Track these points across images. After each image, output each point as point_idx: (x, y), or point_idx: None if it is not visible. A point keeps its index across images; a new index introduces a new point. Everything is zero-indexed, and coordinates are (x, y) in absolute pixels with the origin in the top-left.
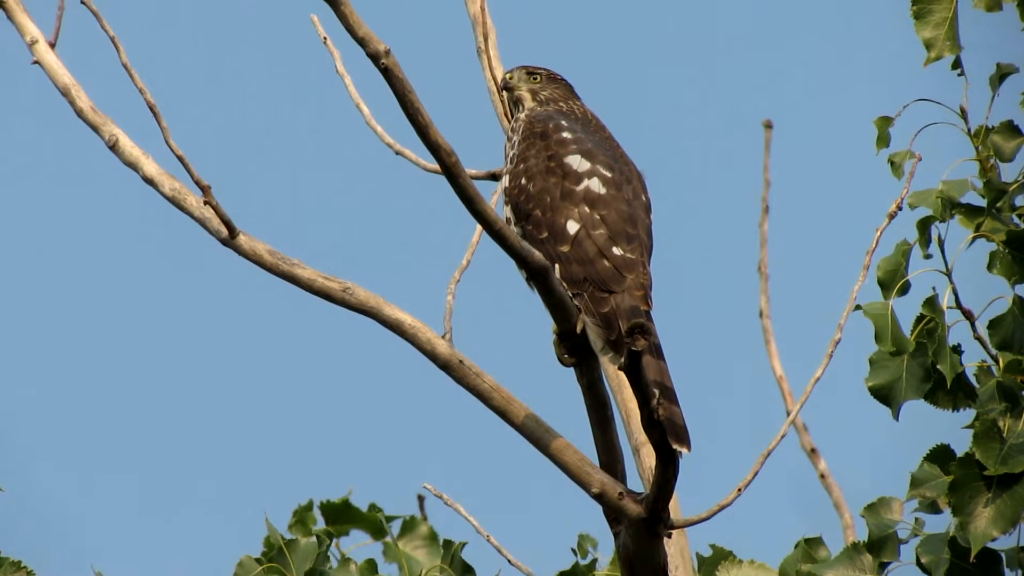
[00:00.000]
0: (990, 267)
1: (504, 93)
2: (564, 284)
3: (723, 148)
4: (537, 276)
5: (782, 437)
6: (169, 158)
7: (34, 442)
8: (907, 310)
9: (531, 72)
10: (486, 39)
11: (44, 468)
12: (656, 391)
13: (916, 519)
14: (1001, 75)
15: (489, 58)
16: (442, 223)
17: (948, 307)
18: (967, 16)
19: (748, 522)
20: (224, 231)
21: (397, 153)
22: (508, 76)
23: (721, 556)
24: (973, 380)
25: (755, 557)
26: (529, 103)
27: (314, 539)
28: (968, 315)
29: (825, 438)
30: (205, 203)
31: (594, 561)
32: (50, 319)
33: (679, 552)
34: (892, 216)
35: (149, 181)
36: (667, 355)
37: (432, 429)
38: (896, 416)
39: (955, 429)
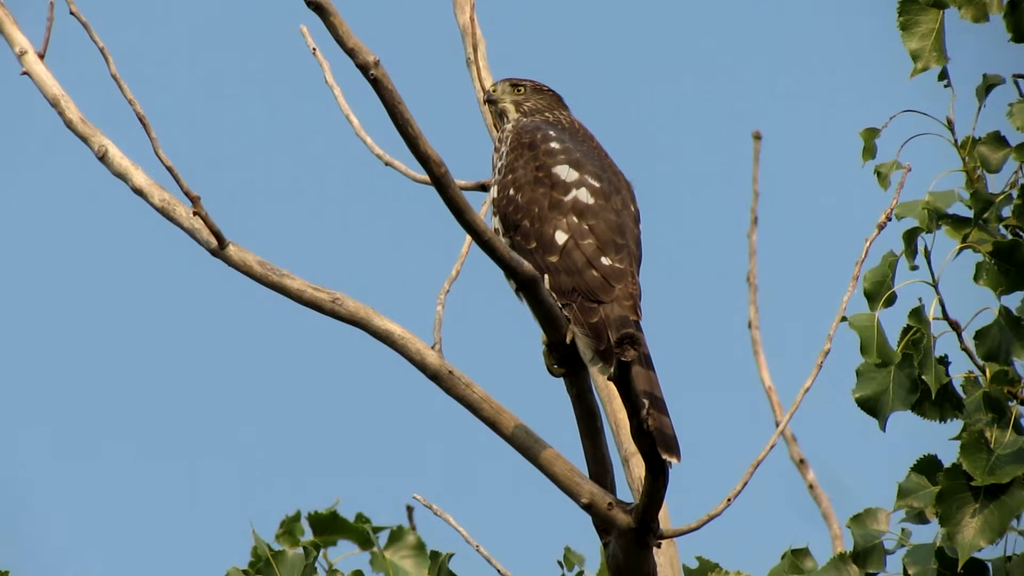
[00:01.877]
0: (976, 278)
1: (489, 106)
2: (553, 295)
3: (712, 159)
4: (526, 286)
5: (771, 447)
6: (159, 169)
7: (22, 452)
8: (894, 321)
9: (515, 84)
10: (475, 49)
11: (30, 477)
12: (646, 401)
13: (903, 529)
14: (987, 86)
15: (478, 68)
16: (431, 233)
17: (934, 318)
18: (954, 27)
19: (738, 532)
20: (214, 241)
21: (387, 164)
22: (492, 89)
23: (707, 568)
24: (960, 391)
25: (744, 567)
26: (513, 115)
27: (301, 550)
28: (955, 326)
29: (814, 449)
30: (195, 214)
31: (581, 573)
32: (39, 330)
33: (669, 562)
34: (881, 227)
35: (138, 192)
36: (656, 365)
37: (422, 439)
38: (883, 427)
39: (942, 440)
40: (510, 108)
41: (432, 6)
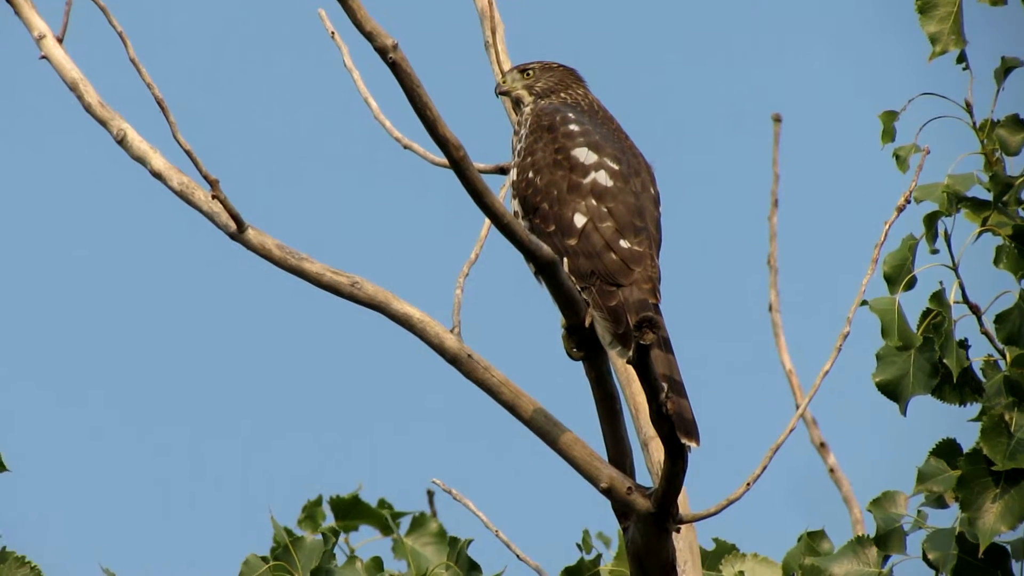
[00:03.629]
0: (996, 261)
1: (503, 97)
2: (572, 278)
3: (732, 142)
4: (546, 270)
5: (791, 431)
6: (177, 153)
7: (40, 438)
8: (914, 304)
9: (523, 69)
10: (494, 33)
11: (50, 464)
12: (665, 385)
13: (919, 512)
14: (1006, 69)
15: (497, 52)
16: (450, 217)
17: (955, 301)
18: (972, 10)
19: (757, 517)
20: (233, 225)
21: (405, 147)
22: (502, 81)
23: (724, 550)
24: (980, 375)
25: (764, 551)
26: (528, 99)
27: (319, 536)
28: (975, 309)
29: (834, 432)
30: (213, 197)
31: (599, 556)
32: (58, 315)
33: (688, 547)
34: (900, 210)
35: (157, 175)
36: (676, 348)
37: (441, 423)
38: (904, 411)
39: (962, 423)
40: (523, 94)
41: None
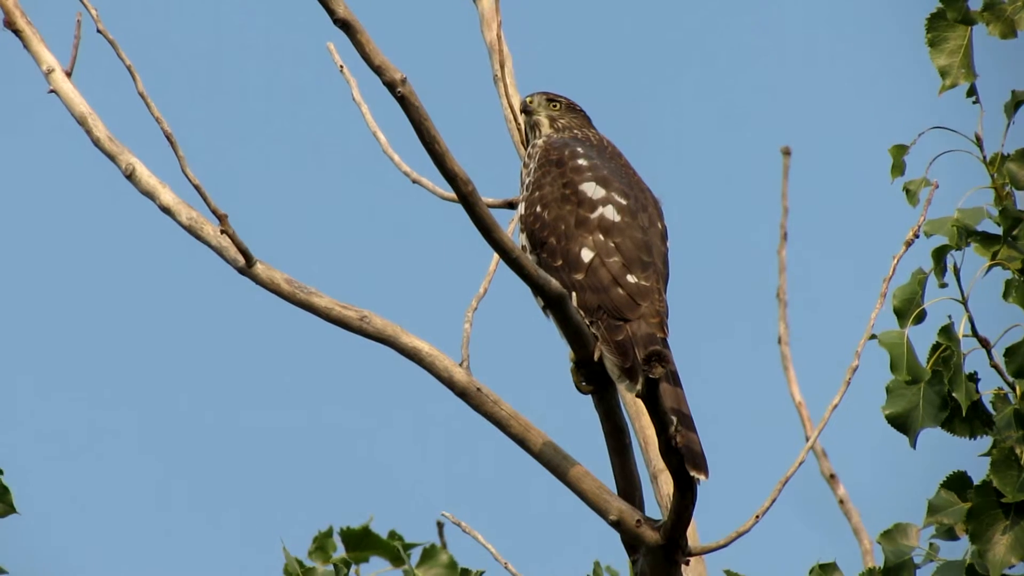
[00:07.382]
0: (1006, 295)
1: (522, 117)
2: (580, 312)
3: (741, 175)
4: (554, 304)
5: (800, 463)
6: (186, 187)
7: (51, 471)
8: (923, 338)
9: (552, 99)
10: (502, 67)
11: (63, 497)
12: (674, 418)
13: (931, 544)
14: (1016, 102)
15: (505, 85)
16: (459, 251)
17: (964, 335)
18: (982, 43)
19: (766, 549)
20: (241, 260)
21: (414, 182)
22: (528, 100)
23: None
24: (990, 408)
25: None
26: (546, 129)
27: (331, 567)
28: (984, 343)
29: (844, 464)
30: (222, 232)
31: None
32: (66, 350)
33: None
34: (909, 244)
35: (166, 210)
36: (684, 382)
37: (450, 457)
38: (913, 444)
39: (971, 456)
40: (544, 122)
41: (459, 23)
